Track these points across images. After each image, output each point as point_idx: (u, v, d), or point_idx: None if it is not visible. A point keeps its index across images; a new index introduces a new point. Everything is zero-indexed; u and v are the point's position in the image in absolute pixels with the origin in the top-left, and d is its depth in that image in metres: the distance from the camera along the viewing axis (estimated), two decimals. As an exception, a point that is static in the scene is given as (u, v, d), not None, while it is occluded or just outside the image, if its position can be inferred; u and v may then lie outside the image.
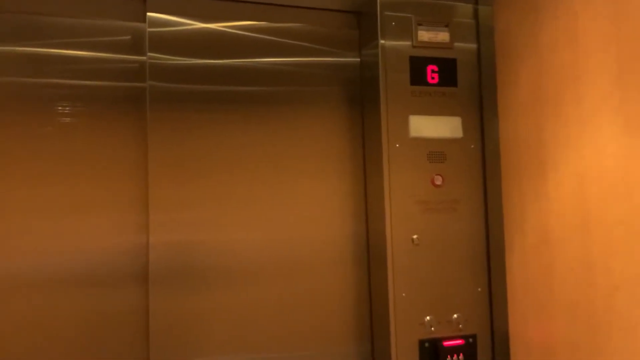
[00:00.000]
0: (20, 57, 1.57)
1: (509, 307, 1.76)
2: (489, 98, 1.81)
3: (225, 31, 1.75)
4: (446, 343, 1.67)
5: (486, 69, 1.81)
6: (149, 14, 1.67)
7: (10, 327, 1.51)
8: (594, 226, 1.42)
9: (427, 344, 1.67)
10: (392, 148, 1.70)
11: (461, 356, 1.68)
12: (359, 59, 1.87)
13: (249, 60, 1.76)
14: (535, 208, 1.65)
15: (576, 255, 1.48)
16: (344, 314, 1.79)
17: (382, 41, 1.72)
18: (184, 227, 1.65)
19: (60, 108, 1.59)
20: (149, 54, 1.66)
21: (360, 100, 1.85)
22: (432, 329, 1.68)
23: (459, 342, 1.69)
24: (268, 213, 1.74)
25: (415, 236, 1.70)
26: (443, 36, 1.78)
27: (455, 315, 1.71)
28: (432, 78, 1.76)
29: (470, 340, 1.71)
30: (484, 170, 1.78)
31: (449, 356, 1.67)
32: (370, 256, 1.80)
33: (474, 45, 1.81)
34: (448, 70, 1.77)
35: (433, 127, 1.75)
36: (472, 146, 1.78)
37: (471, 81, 1.80)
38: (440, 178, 1.74)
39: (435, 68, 1.76)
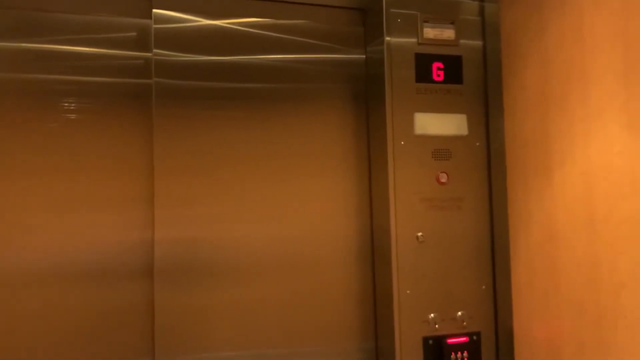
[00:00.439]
0: (26, 53, 1.58)
1: (513, 304, 1.76)
2: (494, 95, 1.80)
3: (230, 28, 1.76)
4: (450, 340, 1.67)
5: (492, 66, 1.80)
6: (154, 10, 1.68)
7: (17, 322, 1.52)
8: (600, 224, 1.42)
9: (431, 342, 1.67)
10: (397, 145, 1.70)
11: (465, 354, 1.68)
12: (364, 56, 1.86)
13: (254, 57, 1.76)
14: (540, 206, 1.64)
15: (582, 253, 1.48)
16: (348, 310, 1.79)
17: (388, 38, 1.72)
18: (189, 224, 1.66)
19: (66, 104, 1.60)
20: (154, 50, 1.67)
21: (365, 98, 1.85)
22: (437, 326, 1.68)
23: (463, 339, 1.69)
24: (273, 210, 1.74)
25: (419, 234, 1.69)
26: (449, 33, 1.77)
27: (459, 313, 1.71)
28: (438, 75, 1.75)
29: (475, 337, 1.71)
30: (489, 167, 1.78)
31: (453, 353, 1.67)
32: (374, 253, 1.80)
33: (479, 43, 1.81)
34: (453, 68, 1.77)
35: (438, 124, 1.74)
36: (478, 144, 1.78)
37: (477, 78, 1.79)
38: (445, 175, 1.73)
39: (441, 65, 1.76)
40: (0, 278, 1.51)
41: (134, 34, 1.68)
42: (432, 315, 1.68)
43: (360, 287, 1.81)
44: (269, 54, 1.78)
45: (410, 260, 1.68)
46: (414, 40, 1.74)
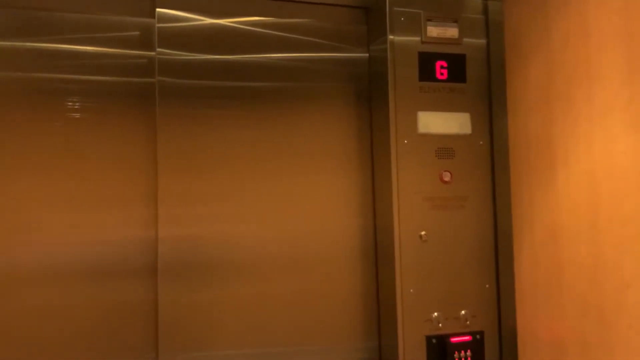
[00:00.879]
0: (30, 52, 1.59)
1: (517, 303, 1.76)
2: (498, 94, 1.80)
3: (234, 27, 1.76)
4: (453, 339, 1.67)
5: (495, 64, 1.80)
6: (158, 9, 1.68)
7: (21, 319, 1.53)
8: (604, 223, 1.41)
9: (434, 340, 1.67)
10: (400, 144, 1.70)
11: (468, 352, 1.68)
12: (367, 55, 1.86)
13: (257, 56, 1.76)
14: (544, 205, 1.64)
15: (586, 253, 1.48)
16: (351, 309, 1.79)
17: (391, 37, 1.72)
18: (193, 222, 1.66)
19: (70, 103, 1.60)
20: (158, 49, 1.67)
21: (368, 96, 1.85)
22: (440, 325, 1.68)
23: (466, 338, 1.69)
24: (276, 208, 1.74)
25: (423, 232, 1.69)
26: (452, 32, 1.77)
27: (462, 312, 1.70)
28: (441, 74, 1.75)
29: (478, 336, 1.71)
30: (493, 166, 1.78)
31: (456, 352, 1.67)
32: (378, 252, 1.80)
33: (483, 41, 1.80)
34: (457, 66, 1.77)
35: (442, 123, 1.74)
36: (481, 142, 1.78)
37: (480, 77, 1.79)
38: (448, 174, 1.73)
39: (444, 64, 1.76)
40: (6, 276, 1.52)
41: (137, 33, 1.68)
42: (435, 314, 1.68)
43: (364, 286, 1.81)
44: (272, 53, 1.78)
45: (413, 259, 1.68)
46: (417, 38, 1.74)
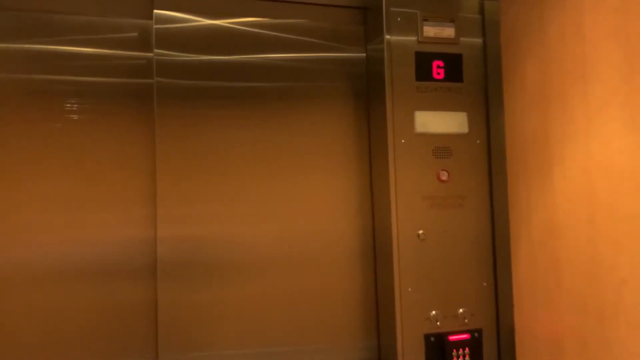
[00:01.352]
0: (29, 54, 1.59)
1: (515, 301, 1.77)
2: (494, 93, 1.80)
3: (231, 27, 1.76)
4: (452, 337, 1.68)
5: (492, 64, 1.81)
6: (155, 11, 1.68)
7: (20, 319, 1.53)
8: (601, 221, 1.42)
9: (432, 339, 1.67)
10: (397, 143, 1.70)
11: (467, 350, 1.69)
12: (364, 55, 1.87)
13: (255, 56, 1.77)
14: (541, 203, 1.65)
15: (583, 250, 1.48)
16: (350, 308, 1.79)
17: (388, 37, 1.72)
18: (191, 222, 1.67)
19: (68, 105, 1.61)
20: (155, 50, 1.67)
21: (366, 96, 1.86)
22: (438, 323, 1.68)
23: (464, 336, 1.69)
24: (274, 208, 1.75)
25: (421, 231, 1.70)
26: (449, 31, 1.78)
27: (461, 310, 1.71)
28: (438, 73, 1.76)
29: (476, 334, 1.71)
30: (490, 165, 1.78)
31: (454, 350, 1.67)
32: (376, 251, 1.80)
33: (479, 41, 1.81)
34: (454, 66, 1.77)
35: (439, 122, 1.75)
36: (478, 141, 1.78)
37: (477, 76, 1.80)
38: (446, 173, 1.74)
39: (441, 63, 1.76)
40: (4, 276, 1.52)
41: (135, 34, 1.68)
42: (433, 312, 1.68)
43: (362, 285, 1.81)
44: (269, 53, 1.78)
45: (411, 258, 1.68)
46: (414, 38, 1.75)
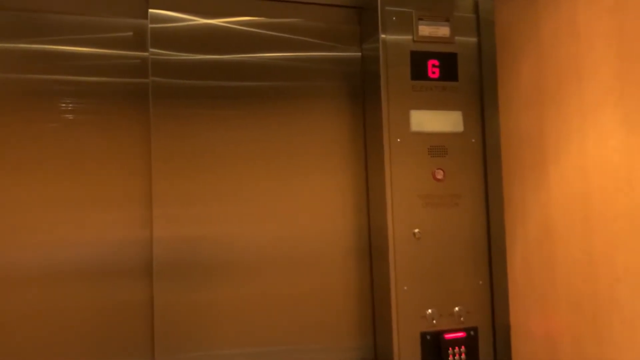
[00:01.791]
0: (23, 54, 1.59)
1: (510, 299, 1.77)
2: (489, 92, 1.81)
3: (226, 27, 1.76)
4: (447, 336, 1.68)
5: (487, 63, 1.81)
6: (150, 10, 1.68)
7: (14, 320, 1.52)
8: (596, 219, 1.43)
9: (428, 337, 1.68)
10: (393, 142, 1.71)
11: (462, 349, 1.69)
12: (360, 54, 1.87)
13: (250, 55, 1.77)
14: (536, 201, 1.65)
15: (578, 248, 1.49)
16: (346, 307, 1.80)
17: (383, 36, 1.73)
18: (187, 222, 1.66)
19: (63, 105, 1.60)
20: (151, 49, 1.67)
21: (361, 95, 1.86)
22: (434, 321, 1.68)
23: (460, 334, 1.70)
24: (270, 208, 1.75)
25: (416, 230, 1.70)
26: (444, 31, 1.78)
27: (456, 308, 1.71)
28: (433, 72, 1.76)
29: (472, 333, 1.71)
30: (485, 164, 1.79)
31: (450, 349, 1.68)
32: (372, 250, 1.81)
33: (474, 40, 1.81)
34: (449, 65, 1.78)
35: (434, 121, 1.75)
36: (473, 140, 1.79)
37: (472, 75, 1.80)
38: (441, 172, 1.74)
39: (436, 63, 1.77)
40: (-1, 277, 1.52)
41: (130, 33, 1.68)
42: (429, 311, 1.69)
43: (359, 284, 1.81)
44: (265, 53, 1.78)
45: (407, 257, 1.69)
46: (409, 37, 1.75)
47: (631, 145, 1.31)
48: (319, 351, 1.77)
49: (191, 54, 1.71)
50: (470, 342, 1.71)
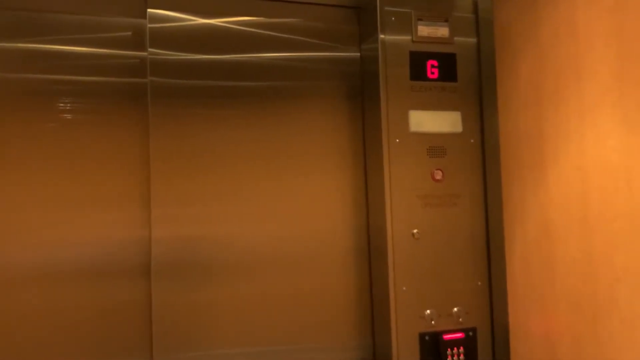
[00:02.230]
0: (22, 53, 1.58)
1: (509, 300, 1.77)
2: (488, 92, 1.81)
3: (225, 27, 1.76)
4: (446, 336, 1.68)
5: (486, 63, 1.81)
6: (149, 10, 1.68)
7: (13, 320, 1.52)
8: (595, 219, 1.43)
9: (427, 338, 1.67)
10: (392, 143, 1.71)
11: (461, 349, 1.69)
12: (359, 54, 1.87)
13: (249, 55, 1.77)
14: (535, 201, 1.65)
15: (577, 248, 1.49)
16: (345, 307, 1.79)
17: (382, 36, 1.73)
18: (186, 222, 1.66)
19: (62, 104, 1.60)
20: (149, 49, 1.67)
21: (360, 95, 1.86)
22: (433, 322, 1.68)
23: (459, 335, 1.70)
24: (268, 208, 1.74)
25: (415, 230, 1.70)
26: (443, 31, 1.78)
27: (455, 309, 1.71)
28: (432, 73, 1.76)
29: (471, 333, 1.71)
30: (484, 164, 1.79)
31: (449, 349, 1.67)
32: (370, 250, 1.80)
33: (473, 40, 1.81)
34: (448, 65, 1.78)
35: (433, 121, 1.75)
36: (472, 140, 1.79)
37: (471, 76, 1.80)
38: (440, 173, 1.74)
39: (435, 63, 1.77)
40: (-3, 277, 1.51)
41: (129, 33, 1.68)
42: (428, 311, 1.69)
43: (357, 284, 1.81)
44: (264, 53, 1.78)
45: (406, 257, 1.68)
46: (408, 38, 1.75)
47: (630, 145, 1.31)
48: (318, 351, 1.76)
49: (190, 54, 1.71)
50: (469, 343, 1.71)
